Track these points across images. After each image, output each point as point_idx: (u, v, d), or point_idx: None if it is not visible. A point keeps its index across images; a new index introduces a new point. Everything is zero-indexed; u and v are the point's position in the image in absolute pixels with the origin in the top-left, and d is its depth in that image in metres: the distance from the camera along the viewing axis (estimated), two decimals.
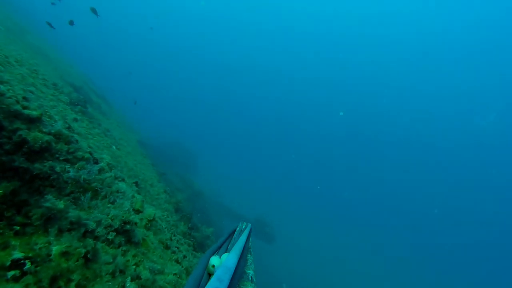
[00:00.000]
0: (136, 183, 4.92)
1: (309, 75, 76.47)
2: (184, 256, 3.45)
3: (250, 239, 2.15)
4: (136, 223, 2.89)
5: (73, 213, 1.93)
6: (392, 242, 52.06)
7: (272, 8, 70.42)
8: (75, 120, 5.16)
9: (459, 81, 60.50)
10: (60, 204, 1.95)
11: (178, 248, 3.53)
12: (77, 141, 3.30)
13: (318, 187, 67.77)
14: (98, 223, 2.16)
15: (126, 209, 2.59)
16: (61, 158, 2.88)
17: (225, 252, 1.64)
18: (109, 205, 2.53)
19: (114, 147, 6.23)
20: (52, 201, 1.88)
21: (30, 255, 1.44)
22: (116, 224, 2.26)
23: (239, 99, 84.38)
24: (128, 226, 2.34)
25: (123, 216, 2.33)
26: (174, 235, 3.99)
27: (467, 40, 56.13)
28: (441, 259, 52.24)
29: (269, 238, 22.64)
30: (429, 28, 58.57)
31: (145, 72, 73.59)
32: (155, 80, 75.33)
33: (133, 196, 3.01)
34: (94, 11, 11.40)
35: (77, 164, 2.98)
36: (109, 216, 2.27)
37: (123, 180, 3.80)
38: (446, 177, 65.19)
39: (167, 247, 3.19)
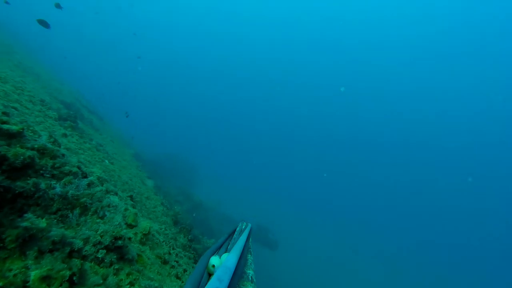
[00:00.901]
0: (131, 197, 4.72)
1: (305, 79, 76.55)
2: (185, 270, 3.24)
3: (250, 239, 2.17)
4: (130, 238, 2.70)
5: (56, 232, 1.74)
6: (396, 244, 51.46)
7: (267, 13, 70.91)
8: (64, 135, 4.98)
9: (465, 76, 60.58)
10: (42, 223, 1.76)
11: (177, 262, 3.32)
12: (63, 155, 3.12)
13: (325, 175, 67.30)
14: (86, 240, 1.97)
15: (117, 223, 2.40)
16: (46, 174, 2.69)
17: (225, 252, 1.66)
18: (98, 220, 2.34)
19: (107, 161, 6.03)
20: (32, 220, 1.70)
21: (0, 284, 1.26)
22: (107, 240, 2.07)
23: (235, 105, 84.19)
24: (120, 242, 2.15)
25: (113, 232, 2.14)
26: (173, 248, 3.79)
27: (463, 36, 56.71)
28: (446, 258, 51.63)
29: (272, 245, 22.30)
30: (429, 27, 59.02)
31: (139, 86, 73.42)
32: (150, 93, 75.07)
33: (126, 210, 2.83)
34: (58, 6, 11.08)
35: (64, 179, 2.79)
36: (98, 232, 2.09)
37: (115, 194, 3.61)
38: (448, 175, 64.98)
39: (165, 262, 2.99)
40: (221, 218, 20.18)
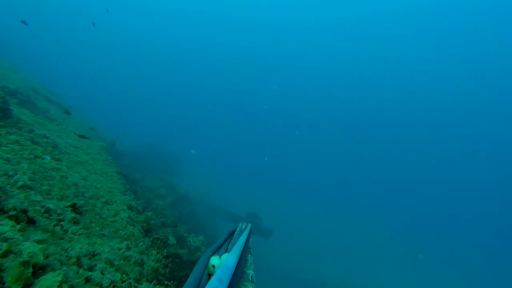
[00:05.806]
0: (73, 207, 3.26)
1: (299, 69, 73.50)
2: None
3: (250, 239, 2.17)
4: None
5: None
6: (390, 226, 51.10)
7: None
8: None
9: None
10: None
11: None
12: None
13: (296, 133, 66.38)
14: None
15: None
16: None
17: (225, 252, 1.64)
18: None
19: (48, 157, 4.48)
20: None
21: None
22: None
23: (217, 92, 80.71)
24: None
25: None
26: None
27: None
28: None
29: (266, 232, 21.48)
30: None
31: (109, 76, 68.49)
32: (121, 83, 70.19)
33: (6, 252, 1.41)
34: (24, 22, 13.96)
35: None
36: None
37: (11, 215, 2.17)
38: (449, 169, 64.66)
39: None
40: (210, 209, 19.00)
